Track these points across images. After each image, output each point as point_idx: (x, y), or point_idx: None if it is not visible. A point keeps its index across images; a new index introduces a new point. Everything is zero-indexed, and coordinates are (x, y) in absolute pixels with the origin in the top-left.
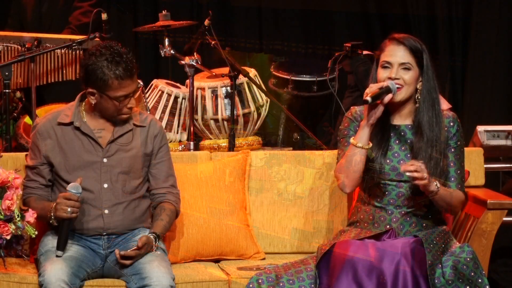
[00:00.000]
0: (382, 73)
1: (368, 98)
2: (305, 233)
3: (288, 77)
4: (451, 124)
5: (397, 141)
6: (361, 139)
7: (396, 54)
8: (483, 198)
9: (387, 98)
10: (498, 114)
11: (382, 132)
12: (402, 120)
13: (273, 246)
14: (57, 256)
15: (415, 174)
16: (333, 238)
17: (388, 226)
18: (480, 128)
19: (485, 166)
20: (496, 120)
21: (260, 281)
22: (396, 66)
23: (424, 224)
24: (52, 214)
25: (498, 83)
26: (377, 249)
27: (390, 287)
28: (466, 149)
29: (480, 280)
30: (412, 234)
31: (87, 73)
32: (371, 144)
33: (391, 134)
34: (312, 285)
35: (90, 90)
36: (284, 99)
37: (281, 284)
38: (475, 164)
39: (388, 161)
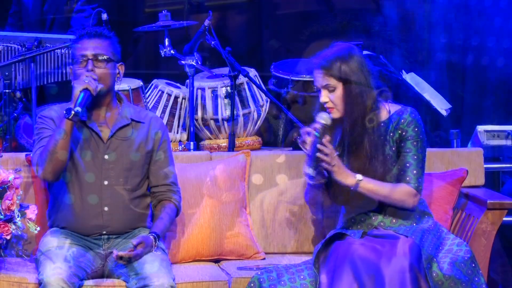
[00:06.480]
0: (320, 99)
1: (309, 171)
2: (305, 233)
3: (288, 77)
4: (402, 121)
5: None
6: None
7: (316, 78)
8: (483, 198)
9: (326, 139)
10: (498, 114)
11: (340, 138)
12: None
13: (273, 246)
14: (75, 113)
15: (324, 157)
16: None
17: (370, 226)
18: (480, 128)
19: (485, 166)
20: (496, 120)
21: (261, 279)
22: (322, 89)
23: (403, 218)
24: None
25: (498, 83)
26: (375, 248)
27: (389, 285)
28: (466, 149)
29: (477, 279)
30: (402, 230)
31: None
32: (325, 178)
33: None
34: (313, 283)
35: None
36: (284, 99)
37: (282, 282)
38: (475, 164)
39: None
